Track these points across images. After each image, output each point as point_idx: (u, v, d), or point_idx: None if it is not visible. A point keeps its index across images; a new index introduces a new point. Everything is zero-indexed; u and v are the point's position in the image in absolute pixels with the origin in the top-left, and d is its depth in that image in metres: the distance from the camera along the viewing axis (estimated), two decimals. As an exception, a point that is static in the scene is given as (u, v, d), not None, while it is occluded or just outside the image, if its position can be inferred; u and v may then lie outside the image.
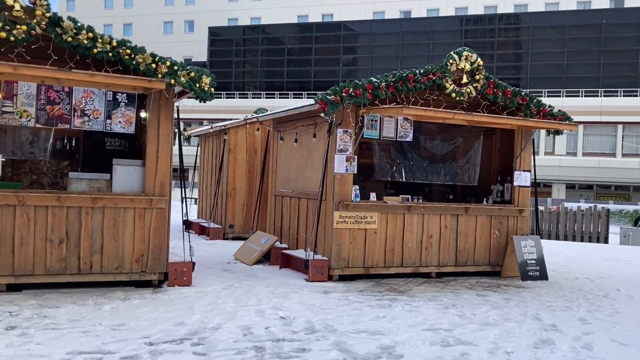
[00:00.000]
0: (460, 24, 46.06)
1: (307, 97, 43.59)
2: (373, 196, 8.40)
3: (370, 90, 7.70)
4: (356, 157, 8.01)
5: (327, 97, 7.56)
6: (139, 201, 6.78)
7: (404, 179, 9.33)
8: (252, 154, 12.51)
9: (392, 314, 6.11)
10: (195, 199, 18.20)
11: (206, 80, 6.67)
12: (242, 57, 51.73)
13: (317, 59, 49.06)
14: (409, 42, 46.31)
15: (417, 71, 8.05)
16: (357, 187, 8.15)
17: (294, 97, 45.74)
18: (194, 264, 7.17)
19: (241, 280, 7.63)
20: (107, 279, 6.71)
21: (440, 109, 8.08)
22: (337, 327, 5.44)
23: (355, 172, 8.04)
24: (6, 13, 5.81)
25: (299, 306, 6.27)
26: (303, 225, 9.00)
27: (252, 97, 48.19)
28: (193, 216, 14.99)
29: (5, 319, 5.17)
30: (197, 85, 6.60)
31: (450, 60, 8.29)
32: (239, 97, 48.63)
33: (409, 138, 8.20)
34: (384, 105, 7.90)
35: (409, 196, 8.80)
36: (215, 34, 52.49)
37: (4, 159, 6.78)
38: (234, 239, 12.23)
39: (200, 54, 53.81)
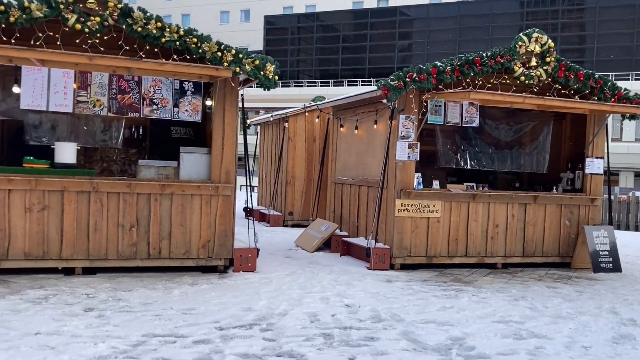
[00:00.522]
0: (521, 5, 44.30)
1: (362, 85, 43.23)
2: (436, 184, 8.23)
3: (435, 75, 7.50)
4: (419, 144, 7.85)
5: (390, 82, 7.42)
6: (206, 188, 6.90)
7: (469, 166, 9.06)
8: (311, 142, 12.52)
9: (460, 304, 5.97)
10: (255, 186, 18.45)
11: (270, 68, 6.67)
12: (297, 46, 51.85)
13: (372, 46, 48.50)
14: (467, 25, 45.00)
15: (484, 54, 7.77)
16: (419, 174, 7.99)
17: (348, 85, 45.46)
18: (258, 250, 7.25)
19: (304, 267, 7.66)
20: (174, 264, 6.89)
21: (509, 93, 7.78)
22: (403, 317, 5.37)
23: (418, 159, 7.88)
24: (80, 5, 6.00)
25: (363, 294, 6.23)
26: (363, 213, 8.94)
27: (307, 86, 48.27)
28: (253, 203, 15.17)
29: (83, 301, 5.39)
30: (262, 73, 6.62)
31: (519, 42, 7.95)
32: (294, 86, 48.82)
33: (475, 124, 7.95)
34: (449, 90, 7.68)
35: (474, 184, 8.56)
36: (270, 22, 52.83)
37: (79, 147, 7.04)
38: (293, 226, 12.32)
39: (256, 43, 54.29)
